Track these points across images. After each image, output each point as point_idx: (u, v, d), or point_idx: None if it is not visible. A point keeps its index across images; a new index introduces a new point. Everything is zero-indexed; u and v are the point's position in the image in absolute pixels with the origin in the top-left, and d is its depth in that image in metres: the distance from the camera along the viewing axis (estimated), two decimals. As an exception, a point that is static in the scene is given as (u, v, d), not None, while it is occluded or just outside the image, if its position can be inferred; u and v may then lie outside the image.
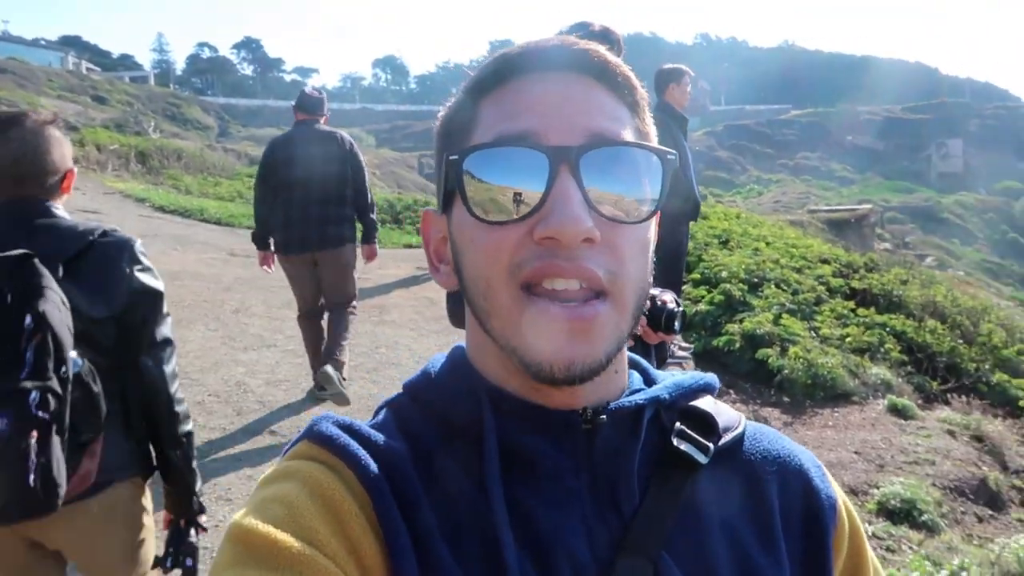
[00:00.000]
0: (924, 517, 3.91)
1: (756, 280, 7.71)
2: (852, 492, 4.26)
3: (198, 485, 1.99)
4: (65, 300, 1.65)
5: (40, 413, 1.52)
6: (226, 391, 5.42)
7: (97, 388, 1.72)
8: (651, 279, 0.66)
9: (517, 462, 0.63)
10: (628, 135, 0.64)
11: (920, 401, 6.08)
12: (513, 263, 0.60)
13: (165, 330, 1.95)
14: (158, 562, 1.98)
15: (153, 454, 1.95)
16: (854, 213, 27.73)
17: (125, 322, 1.83)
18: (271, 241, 4.99)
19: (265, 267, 5.15)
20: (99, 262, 1.83)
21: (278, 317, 7.56)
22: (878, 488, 4.20)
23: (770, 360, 6.09)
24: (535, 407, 0.64)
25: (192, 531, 1.98)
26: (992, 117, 68.00)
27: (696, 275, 8.02)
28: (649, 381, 0.73)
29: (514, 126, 0.61)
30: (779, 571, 0.65)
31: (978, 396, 6.37)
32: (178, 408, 1.91)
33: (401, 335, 7.18)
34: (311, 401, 5.30)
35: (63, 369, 1.58)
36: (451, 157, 0.61)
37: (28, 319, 1.54)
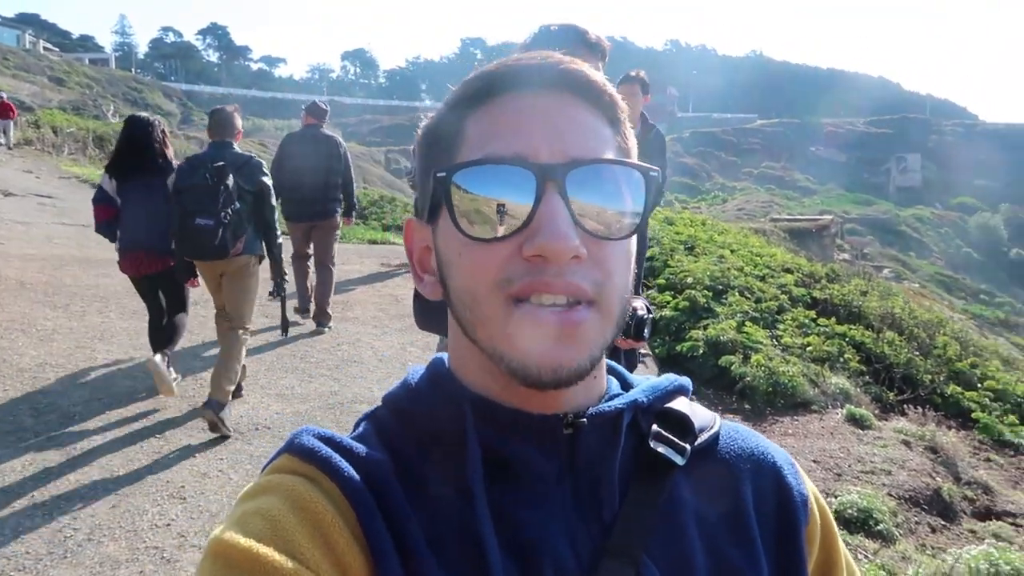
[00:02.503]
0: (880, 527, 3.95)
1: (720, 287, 7.78)
2: (810, 501, 4.29)
3: (284, 266, 5.06)
4: (234, 182, 4.51)
5: (225, 220, 4.40)
6: (182, 383, 5.29)
7: (244, 217, 4.55)
8: (632, 289, 0.67)
9: (499, 468, 0.64)
10: (610, 151, 0.65)
11: (877, 411, 6.17)
12: (501, 278, 0.60)
13: (272, 201, 4.82)
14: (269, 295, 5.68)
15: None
16: (815, 223, 28.25)
17: (256, 194, 4.67)
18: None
19: None
20: (249, 169, 4.66)
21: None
22: (836, 497, 4.23)
23: (732, 367, 6.13)
24: (517, 413, 0.65)
25: (280, 283, 5.06)
26: (950, 134, 69.88)
27: (661, 280, 8.06)
28: (626, 385, 0.75)
29: (503, 146, 0.62)
30: (755, 570, 0.67)
31: (933, 407, 6.47)
32: (277, 235, 4.85)
33: (364, 332, 7.08)
34: (270, 396, 5.19)
35: (233, 206, 4.46)
36: (439, 174, 0.62)
37: (222, 187, 4.42)
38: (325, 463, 0.62)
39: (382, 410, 0.72)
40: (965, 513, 4.62)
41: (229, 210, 4.43)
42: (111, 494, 3.78)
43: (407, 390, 0.71)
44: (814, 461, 4.85)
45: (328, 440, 0.65)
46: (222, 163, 4.52)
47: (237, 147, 4.79)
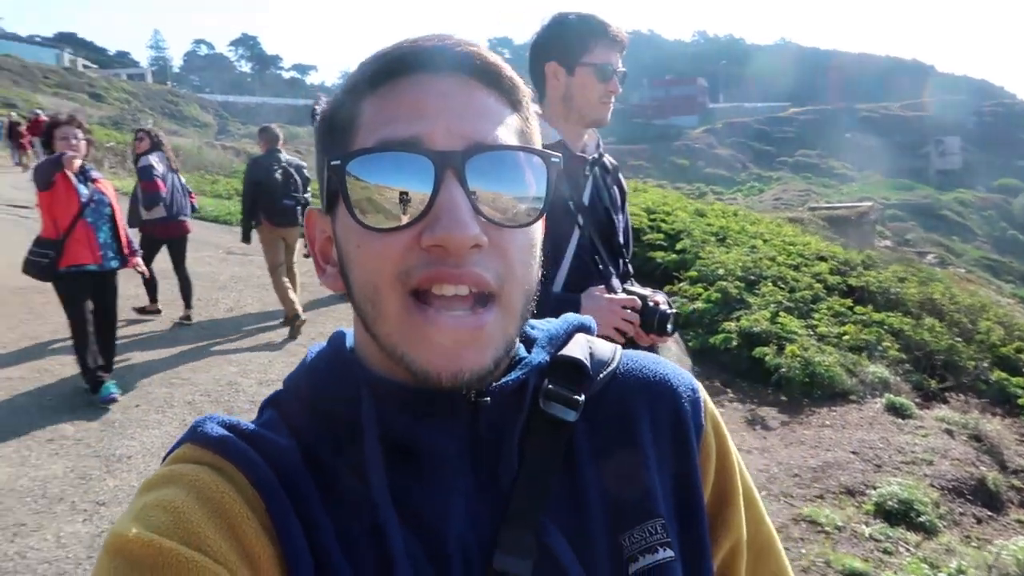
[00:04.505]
0: (922, 518, 3.86)
1: (753, 278, 7.66)
2: (849, 492, 4.21)
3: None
4: (297, 177, 6.99)
5: (300, 202, 6.90)
6: (217, 391, 5.37)
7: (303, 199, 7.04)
8: (538, 278, 0.66)
9: (401, 451, 0.62)
10: (511, 136, 0.63)
11: (918, 400, 6.03)
12: (401, 270, 0.58)
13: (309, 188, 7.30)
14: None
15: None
16: (854, 210, 27.75)
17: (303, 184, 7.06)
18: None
19: None
20: (297, 167, 6.99)
21: (273, 316, 7.50)
22: (875, 488, 4.14)
23: (767, 358, 6.04)
24: (419, 393, 0.62)
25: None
26: (990, 115, 67.97)
27: (693, 273, 7.97)
28: (528, 342, 0.72)
29: (399, 130, 0.59)
30: (653, 509, 0.66)
31: (976, 394, 6.30)
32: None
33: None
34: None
35: (300, 192, 6.94)
36: (333, 162, 0.59)
37: (291, 179, 6.87)
38: (231, 451, 0.60)
39: (284, 394, 0.70)
40: (1012, 503, 4.48)
41: (299, 195, 6.80)
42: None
43: (307, 373, 0.69)
44: (853, 452, 4.75)
45: (233, 428, 0.62)
46: (286, 163, 6.82)
47: (284, 153, 7.02)
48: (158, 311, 7.40)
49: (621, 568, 0.64)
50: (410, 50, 0.63)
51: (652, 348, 2.38)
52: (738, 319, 6.69)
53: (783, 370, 5.89)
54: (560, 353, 0.71)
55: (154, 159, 6.73)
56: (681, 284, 7.87)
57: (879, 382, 5.99)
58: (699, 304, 7.16)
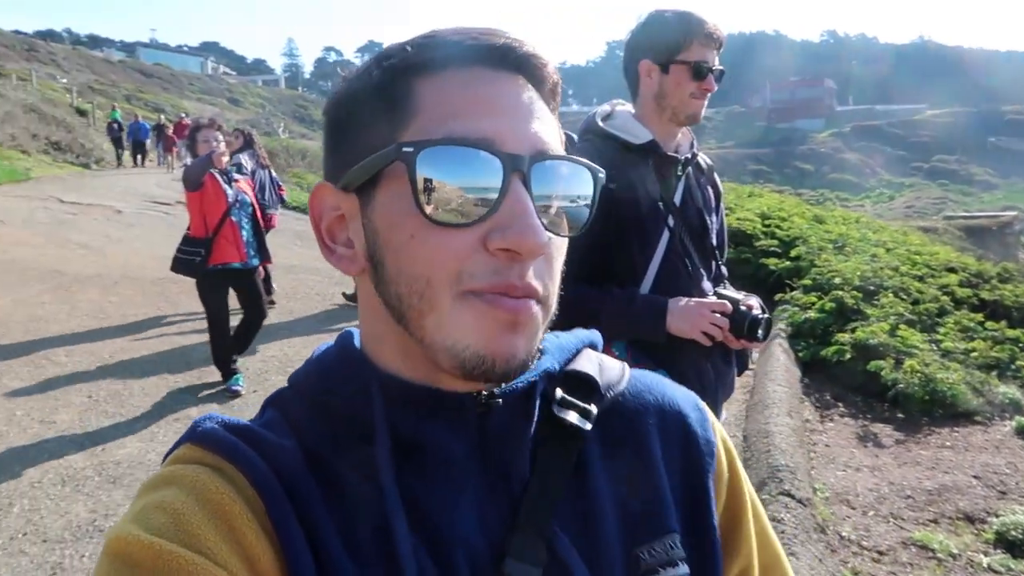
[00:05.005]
0: (1050, 551, 3.57)
1: (872, 288, 7.27)
2: (968, 519, 3.94)
3: None
4: None
5: None
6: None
7: None
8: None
9: (410, 452, 0.61)
10: (557, 142, 0.63)
11: (1055, 425, 5.56)
12: (462, 271, 0.57)
13: None
14: None
15: None
16: (996, 220, 25.82)
17: None
18: None
19: None
20: None
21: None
22: (998, 516, 3.86)
23: (883, 373, 5.72)
24: (430, 392, 0.62)
25: None
26: None
27: (807, 281, 7.66)
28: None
29: (471, 126, 0.58)
30: (664, 523, 0.66)
31: (1125, 422, 5.74)
32: None
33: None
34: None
35: None
36: (406, 148, 0.57)
37: None
38: (231, 452, 0.59)
39: (288, 392, 0.68)
40: None
41: None
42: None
43: (314, 370, 0.67)
44: (975, 477, 4.44)
45: (233, 427, 0.62)
46: None
47: None
48: (272, 303, 7.83)
49: None
50: (473, 40, 0.62)
51: (743, 353, 2.32)
52: (853, 331, 6.36)
53: (900, 386, 5.55)
54: (571, 367, 0.71)
55: (244, 157, 7.28)
56: (794, 292, 7.58)
57: (1010, 403, 5.56)
58: (812, 314, 6.86)
